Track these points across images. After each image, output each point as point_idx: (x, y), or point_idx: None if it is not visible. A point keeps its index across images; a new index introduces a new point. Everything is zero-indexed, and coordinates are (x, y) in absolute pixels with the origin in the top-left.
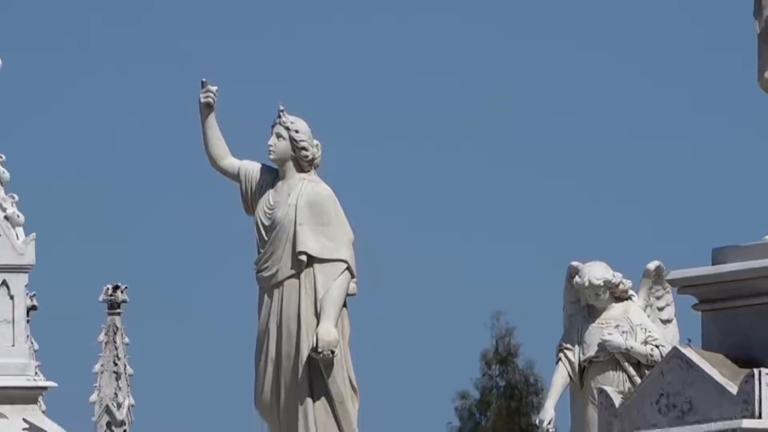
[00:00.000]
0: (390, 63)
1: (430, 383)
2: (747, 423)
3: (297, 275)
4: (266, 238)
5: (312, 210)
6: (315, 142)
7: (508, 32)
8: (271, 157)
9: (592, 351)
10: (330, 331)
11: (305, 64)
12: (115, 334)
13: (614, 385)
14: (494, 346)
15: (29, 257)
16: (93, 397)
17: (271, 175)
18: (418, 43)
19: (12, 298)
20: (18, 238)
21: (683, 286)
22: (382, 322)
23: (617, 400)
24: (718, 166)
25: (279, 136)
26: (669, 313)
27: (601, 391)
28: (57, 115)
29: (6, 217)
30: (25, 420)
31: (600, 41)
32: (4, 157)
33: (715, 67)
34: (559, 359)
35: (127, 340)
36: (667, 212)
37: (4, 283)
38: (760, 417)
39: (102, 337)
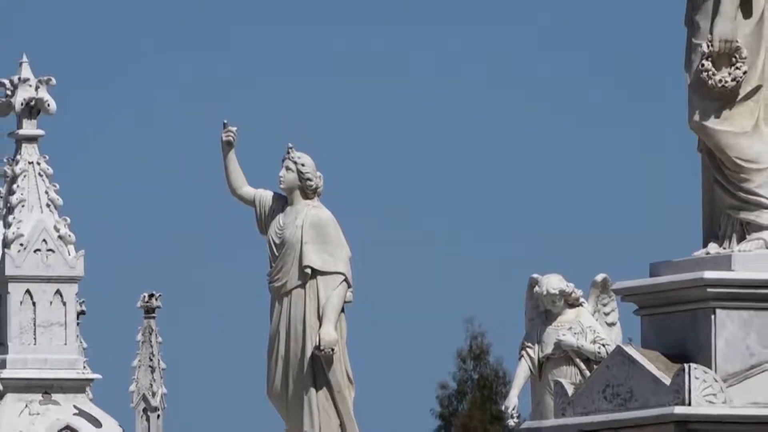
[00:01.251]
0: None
1: (415, 376)
2: (678, 409)
3: (303, 285)
4: (277, 254)
5: (315, 231)
6: (318, 173)
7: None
8: (281, 186)
9: (549, 349)
10: (330, 332)
11: (308, 107)
12: (150, 334)
13: (567, 377)
14: (469, 345)
15: (79, 270)
16: (132, 387)
17: (281, 202)
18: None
19: (65, 304)
20: (69, 254)
21: (625, 294)
22: (375, 324)
23: (570, 390)
24: (655, 195)
25: (288, 168)
26: (613, 317)
27: (557, 383)
28: (101, 147)
29: (60, 237)
30: (75, 406)
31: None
32: (58, 186)
33: (655, 109)
34: (522, 356)
35: (160, 339)
36: (612, 232)
37: (58, 292)
38: (689, 404)
39: (139, 337)
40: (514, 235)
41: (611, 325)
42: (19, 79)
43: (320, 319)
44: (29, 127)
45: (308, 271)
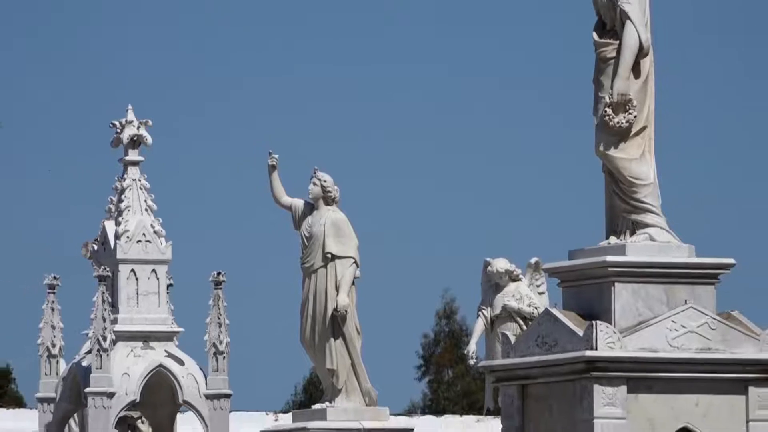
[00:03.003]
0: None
1: (405, 329)
2: (588, 353)
3: (325, 266)
4: (307, 244)
5: (334, 228)
6: (336, 187)
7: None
8: (310, 196)
9: (498, 311)
10: (344, 299)
11: (330, 135)
12: (218, 300)
13: (511, 331)
14: (443, 308)
15: (168, 255)
16: (205, 337)
17: (309, 207)
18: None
19: (158, 279)
20: (161, 244)
21: (551, 272)
22: (377, 293)
23: (512, 339)
24: (574, 200)
25: (314, 184)
26: (543, 288)
27: (503, 335)
28: (184, 168)
29: (155, 232)
30: (165, 351)
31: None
32: (153, 195)
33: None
34: (479, 315)
35: (225, 304)
36: (543, 226)
37: (153, 270)
38: (596, 349)
39: (210, 302)
40: (474, 230)
41: (541, 294)
42: (126, 121)
43: (337, 289)
44: (133, 155)
45: (329, 255)
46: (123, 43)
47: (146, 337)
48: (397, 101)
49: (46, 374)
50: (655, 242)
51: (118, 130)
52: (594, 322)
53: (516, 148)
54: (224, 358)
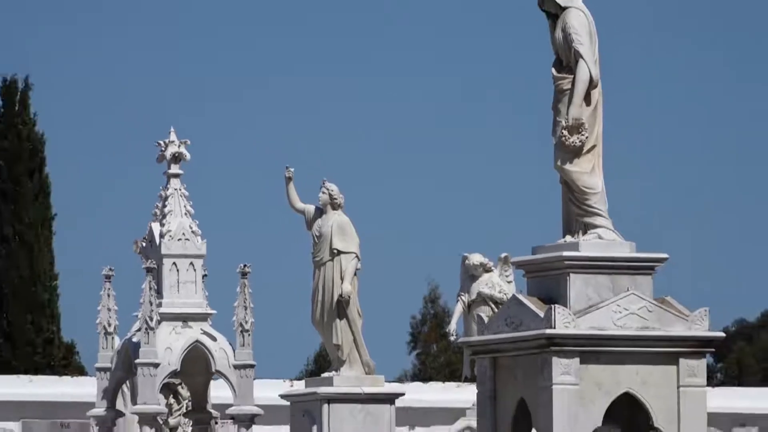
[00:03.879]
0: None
1: (397, 311)
2: (548, 331)
3: (332, 260)
4: (317, 242)
5: (339, 228)
6: (341, 195)
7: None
8: (320, 203)
9: (474, 296)
10: (347, 287)
11: (338, 147)
12: (244, 287)
13: (485, 313)
14: (429, 293)
15: (203, 251)
16: (233, 318)
17: (319, 212)
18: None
19: (195, 271)
20: (198, 242)
21: (518, 265)
22: (374, 282)
23: (486, 320)
24: (538, 205)
25: (323, 192)
26: (511, 278)
27: (479, 316)
28: (217, 179)
29: (192, 232)
30: (201, 329)
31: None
32: (191, 202)
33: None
34: (458, 300)
35: (250, 290)
36: (512, 226)
37: (191, 263)
38: (554, 328)
39: (238, 289)
40: (455, 229)
41: (509, 282)
42: (169, 140)
43: (342, 279)
44: (175, 169)
45: (335, 251)
46: (161, 72)
47: (185, 318)
48: (395, 106)
49: (103, 348)
50: (602, 240)
51: (162, 149)
52: (553, 306)
53: (489, 165)
54: (249, 335)
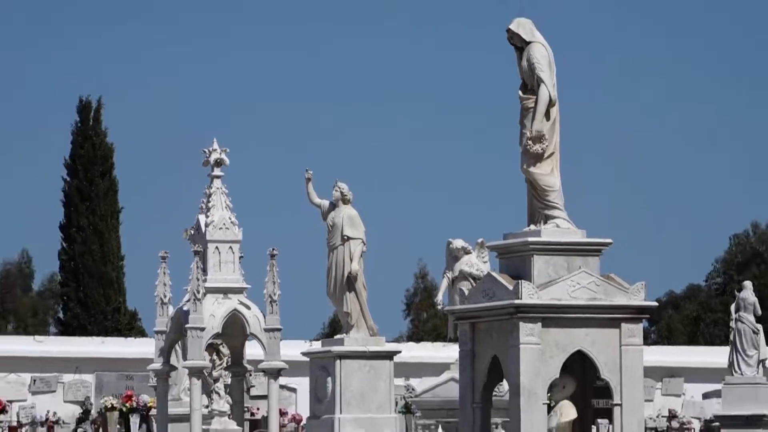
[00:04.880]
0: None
1: (394, 285)
2: (516, 301)
3: (342, 244)
4: (331, 230)
5: (349, 219)
6: (350, 192)
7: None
8: (333, 199)
9: (456, 273)
10: (355, 266)
11: (349, 149)
12: (273, 267)
13: (465, 287)
14: (419, 271)
15: (240, 237)
16: (264, 291)
17: (332, 206)
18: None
19: (233, 253)
20: (237, 231)
21: (492, 248)
22: (376, 261)
23: (466, 292)
24: (510, 196)
25: (336, 190)
26: (486, 259)
27: (460, 289)
28: (251, 180)
29: (232, 222)
30: (238, 300)
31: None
32: (230, 197)
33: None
34: (444, 276)
35: (277, 269)
36: (487, 216)
37: (230, 247)
38: (521, 299)
39: (268, 267)
40: (441, 218)
41: (485, 262)
42: (212, 149)
43: (351, 259)
44: (217, 171)
45: (345, 237)
46: (205, 92)
47: (225, 291)
48: (396, 109)
49: (160, 315)
50: (559, 228)
51: (207, 155)
52: (520, 281)
53: (470, 168)
54: (276, 304)
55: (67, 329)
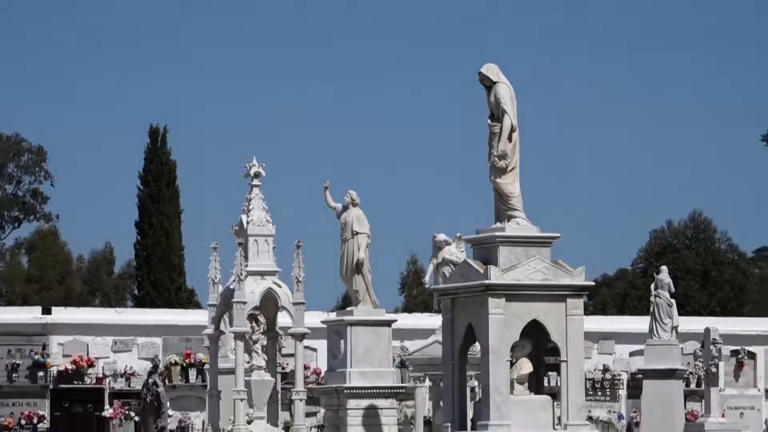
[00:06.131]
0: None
1: (392, 269)
2: (486, 281)
3: (352, 238)
4: (343, 227)
5: (357, 218)
6: (358, 198)
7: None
8: (345, 202)
9: (440, 260)
10: (362, 255)
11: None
12: (298, 255)
13: (447, 271)
14: (411, 258)
15: (273, 232)
16: (292, 274)
17: (344, 208)
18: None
19: (268, 245)
20: (270, 227)
21: (468, 240)
22: (378, 251)
23: (448, 275)
24: (482, 201)
25: (347, 197)
26: (463, 249)
27: (443, 273)
28: (285, 187)
29: (267, 221)
30: (272, 281)
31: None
32: (266, 201)
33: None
34: (430, 262)
35: (302, 257)
36: (464, 215)
37: (266, 240)
38: (490, 279)
39: (294, 256)
40: (428, 216)
41: (462, 252)
42: (252, 164)
43: (358, 249)
44: (255, 181)
45: (354, 232)
46: (246, 117)
47: (262, 274)
48: (397, 120)
49: (212, 292)
50: (519, 225)
51: (248, 169)
52: (489, 266)
53: (452, 179)
54: (301, 284)
55: (140, 303)
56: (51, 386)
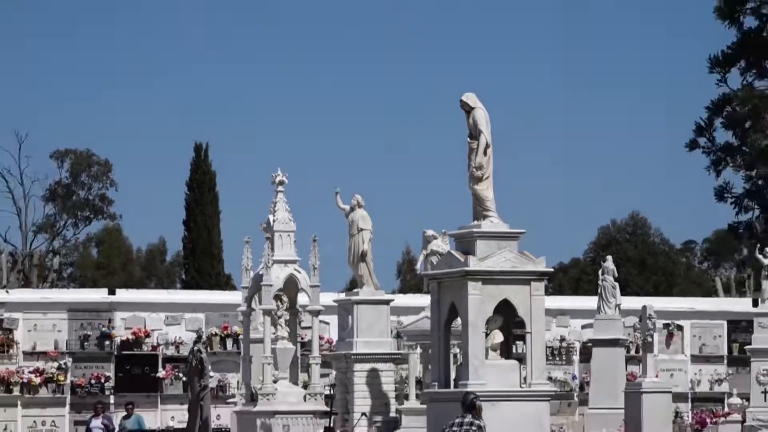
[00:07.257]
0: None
1: (390, 259)
2: (466, 268)
3: (358, 233)
4: (351, 225)
5: (362, 217)
6: (363, 201)
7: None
8: (352, 204)
9: (429, 251)
10: (365, 247)
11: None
12: (314, 248)
13: (434, 260)
14: (405, 249)
15: (294, 228)
16: (309, 262)
17: (352, 209)
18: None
19: (290, 238)
20: (290, 223)
21: (451, 236)
22: (380, 241)
23: (435, 263)
24: (463, 202)
25: (353, 200)
26: (448, 242)
27: (431, 261)
28: (302, 190)
29: (290, 219)
30: (293, 268)
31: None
32: (288, 203)
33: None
34: (421, 253)
35: (318, 249)
36: (450, 215)
37: (290, 235)
38: (469, 267)
39: (311, 248)
40: (420, 214)
41: (446, 244)
42: (277, 173)
43: (363, 243)
44: (280, 188)
45: (359, 229)
46: (274, 132)
47: (285, 262)
48: (396, 124)
49: (245, 277)
50: (493, 223)
51: (274, 177)
52: (468, 256)
53: (439, 186)
54: (317, 270)
55: (187, 286)
56: (115, 353)
